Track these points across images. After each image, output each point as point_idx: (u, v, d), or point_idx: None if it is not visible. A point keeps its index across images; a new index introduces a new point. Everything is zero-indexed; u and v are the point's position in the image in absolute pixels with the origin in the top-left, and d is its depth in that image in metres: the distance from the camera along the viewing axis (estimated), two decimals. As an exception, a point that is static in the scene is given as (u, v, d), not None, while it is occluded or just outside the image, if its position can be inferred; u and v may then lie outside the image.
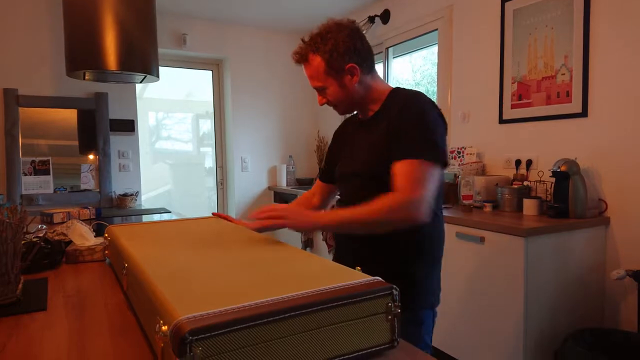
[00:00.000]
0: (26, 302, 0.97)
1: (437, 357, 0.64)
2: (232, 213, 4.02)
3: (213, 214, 1.53)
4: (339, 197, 1.42)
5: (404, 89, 1.28)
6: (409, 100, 1.19)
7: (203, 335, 0.55)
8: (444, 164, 1.14)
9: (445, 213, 2.31)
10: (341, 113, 1.32)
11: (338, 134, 1.48)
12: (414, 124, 1.13)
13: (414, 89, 1.28)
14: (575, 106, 2.23)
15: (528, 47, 2.46)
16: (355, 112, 1.39)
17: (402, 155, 1.12)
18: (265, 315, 0.59)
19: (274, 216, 1.13)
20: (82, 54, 2.25)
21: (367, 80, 1.25)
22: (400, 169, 1.11)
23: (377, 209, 1.07)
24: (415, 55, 3.58)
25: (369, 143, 1.25)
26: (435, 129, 1.14)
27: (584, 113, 2.20)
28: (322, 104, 1.31)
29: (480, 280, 2.08)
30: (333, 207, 1.63)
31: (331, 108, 1.31)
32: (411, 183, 1.08)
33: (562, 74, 2.29)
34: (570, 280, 2.03)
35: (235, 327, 0.57)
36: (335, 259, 1.31)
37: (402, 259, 1.21)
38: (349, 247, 1.31)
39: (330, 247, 2.99)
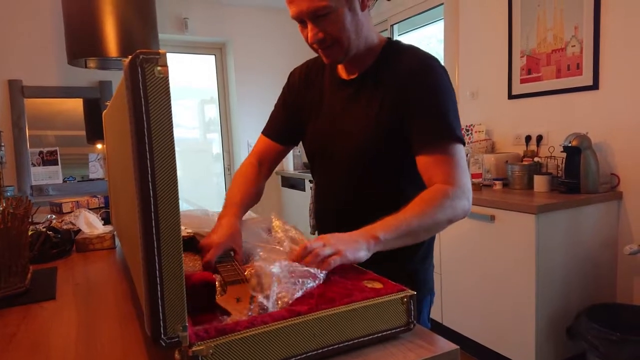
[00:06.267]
0: (35, 291, 0.97)
1: (448, 336, 0.63)
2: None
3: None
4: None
5: (404, 44, 1.05)
6: (421, 67, 0.99)
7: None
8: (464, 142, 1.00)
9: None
10: (333, 59, 1.00)
11: (303, 80, 1.17)
12: (433, 101, 0.96)
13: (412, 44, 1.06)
14: (586, 79, 2.17)
15: (537, 19, 2.38)
16: (323, 62, 1.12)
17: (431, 140, 0.94)
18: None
19: (325, 257, 0.75)
20: (81, 42, 2.24)
21: (367, 15, 1.01)
22: (434, 156, 0.94)
23: (435, 208, 0.88)
24: (420, 32, 3.51)
25: (361, 113, 1.02)
26: (455, 104, 0.99)
27: (595, 86, 2.14)
28: (313, 41, 0.96)
29: (491, 259, 2.06)
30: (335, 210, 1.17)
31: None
32: (454, 171, 0.94)
33: (572, 46, 2.22)
34: (582, 256, 2.00)
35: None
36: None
37: (400, 257, 1.03)
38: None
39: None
